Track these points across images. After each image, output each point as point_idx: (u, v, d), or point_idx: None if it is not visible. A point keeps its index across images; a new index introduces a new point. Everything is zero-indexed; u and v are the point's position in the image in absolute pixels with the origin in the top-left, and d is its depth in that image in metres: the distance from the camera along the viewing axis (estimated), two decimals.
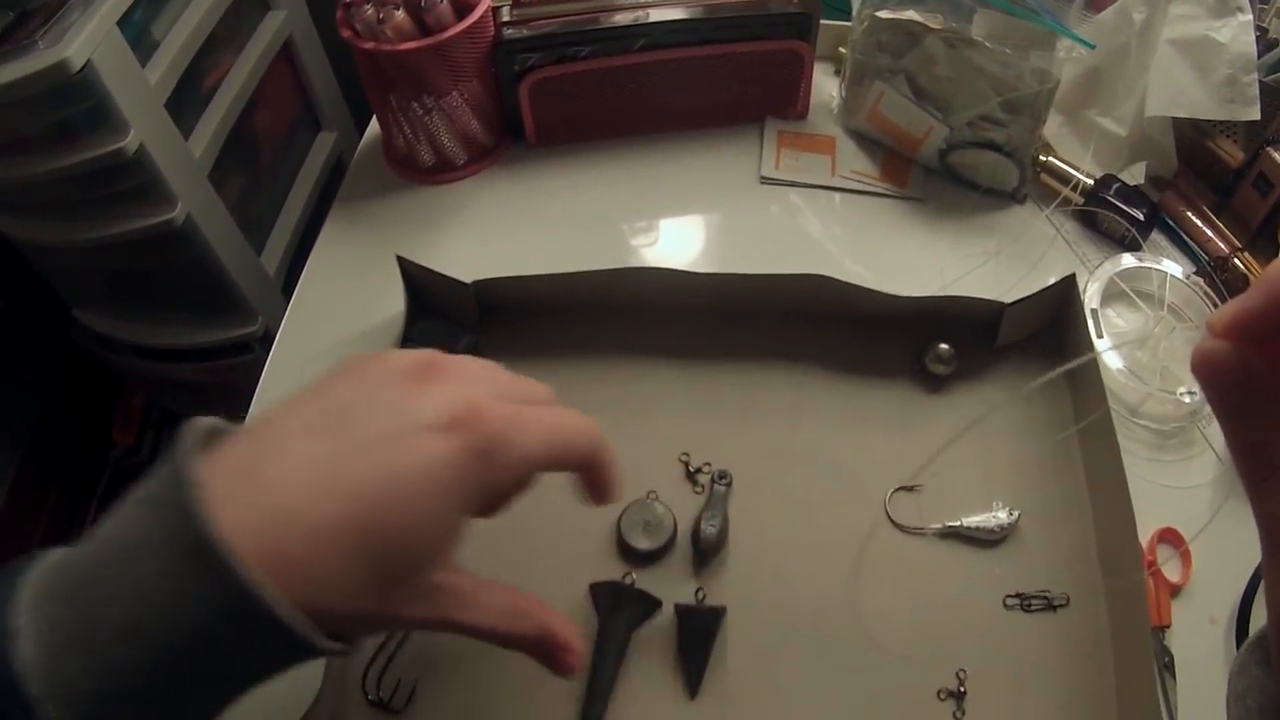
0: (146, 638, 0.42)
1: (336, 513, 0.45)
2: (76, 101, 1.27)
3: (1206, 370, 0.41)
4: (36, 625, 0.43)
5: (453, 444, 0.48)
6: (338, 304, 1.05)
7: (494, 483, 0.49)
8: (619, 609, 0.80)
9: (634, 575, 0.83)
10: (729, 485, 0.88)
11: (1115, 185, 1.08)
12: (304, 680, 0.76)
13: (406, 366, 0.52)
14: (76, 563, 0.45)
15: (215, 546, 0.42)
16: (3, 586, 0.44)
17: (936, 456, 0.86)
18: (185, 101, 1.48)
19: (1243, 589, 0.83)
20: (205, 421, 0.48)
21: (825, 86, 1.24)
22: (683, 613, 0.81)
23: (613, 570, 0.84)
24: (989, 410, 0.93)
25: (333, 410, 0.50)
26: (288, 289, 1.07)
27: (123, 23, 1.29)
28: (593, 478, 0.58)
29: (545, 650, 0.56)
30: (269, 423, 0.49)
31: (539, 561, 0.86)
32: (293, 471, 0.46)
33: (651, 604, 0.81)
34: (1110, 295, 1.01)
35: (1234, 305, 0.39)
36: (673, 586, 0.83)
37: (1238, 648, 0.79)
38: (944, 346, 0.94)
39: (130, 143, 1.31)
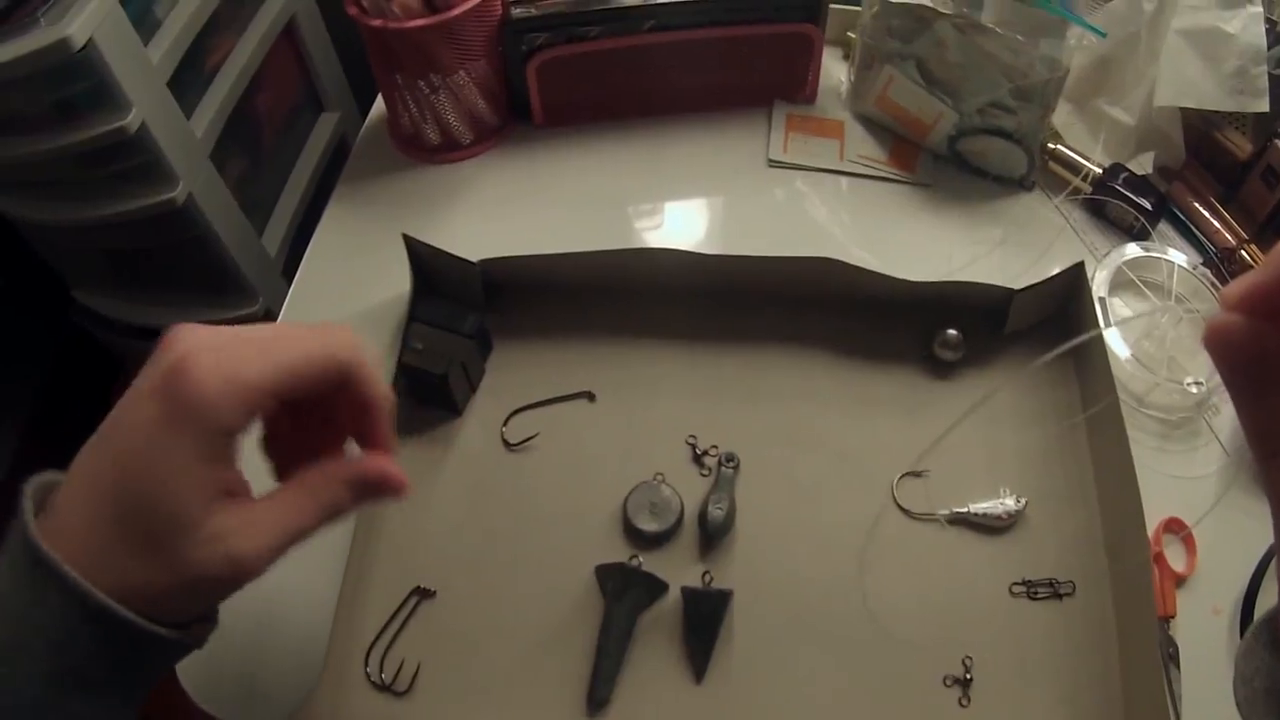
0: (19, 649, 0.48)
1: (85, 499, 0.51)
2: (78, 80, 1.26)
3: (1219, 343, 0.40)
4: None
5: (158, 404, 0.50)
6: (341, 283, 1.04)
7: (219, 422, 0.50)
8: (625, 591, 0.80)
9: (640, 558, 0.83)
10: (736, 468, 0.88)
11: (1123, 174, 1.08)
12: (306, 663, 0.76)
13: (153, 358, 0.53)
14: None
15: (48, 559, 0.48)
16: None
17: (944, 436, 0.85)
18: (187, 81, 1.47)
19: (1247, 580, 0.83)
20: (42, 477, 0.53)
21: (834, 71, 1.24)
22: (689, 596, 0.80)
23: (619, 552, 0.84)
24: (996, 388, 0.93)
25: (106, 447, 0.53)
26: (289, 270, 1.07)
27: (125, 1, 1.28)
28: (353, 397, 0.57)
29: (371, 497, 0.57)
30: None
31: (545, 543, 0.85)
32: (69, 489, 0.52)
33: (658, 587, 0.81)
34: (1118, 284, 1.01)
35: (1248, 279, 0.39)
36: (679, 569, 0.83)
37: (1242, 638, 0.79)
38: (952, 332, 0.93)
39: (132, 122, 1.30)
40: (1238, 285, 0.39)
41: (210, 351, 0.51)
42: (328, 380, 0.54)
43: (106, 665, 0.50)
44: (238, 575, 0.52)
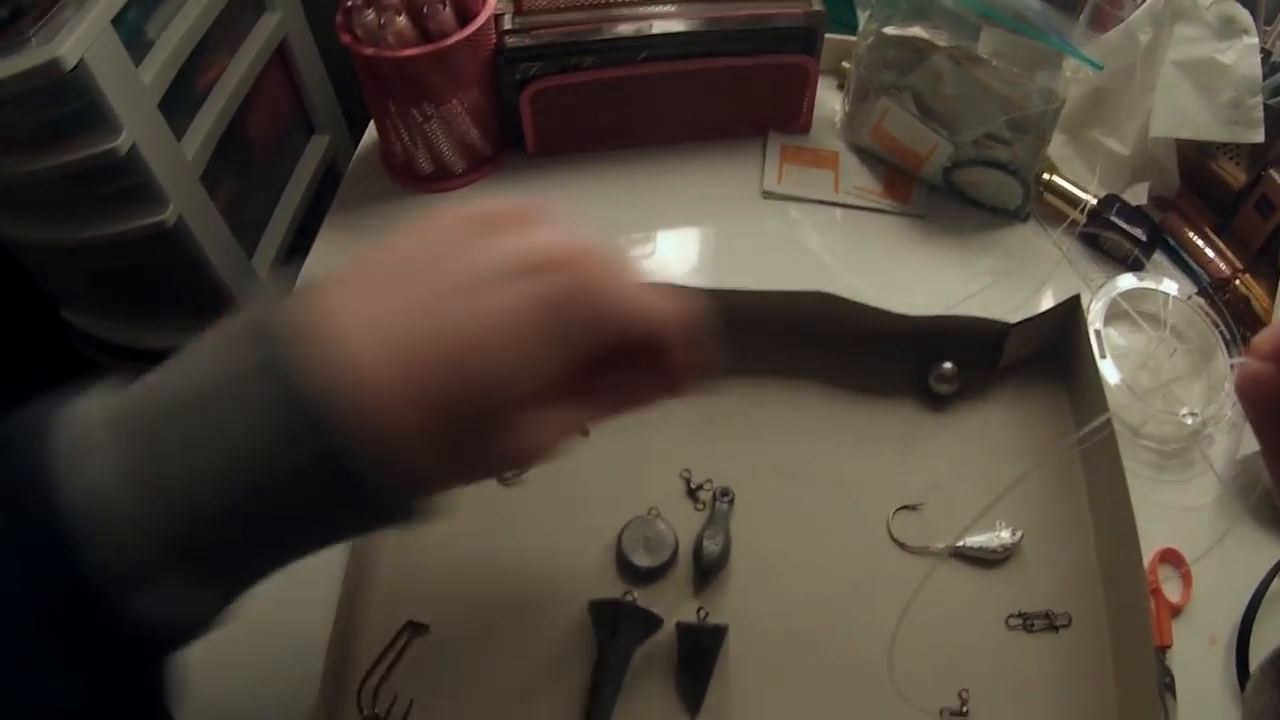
0: (236, 472, 0.42)
1: (404, 375, 0.45)
2: (69, 100, 1.26)
3: (1251, 392, 0.41)
4: (112, 445, 0.43)
5: (530, 288, 0.47)
6: None
7: (571, 335, 0.48)
8: (619, 627, 0.79)
9: (635, 593, 0.82)
10: (731, 502, 0.88)
11: (1118, 205, 1.08)
12: (299, 694, 0.75)
13: (471, 216, 0.51)
14: (153, 394, 0.45)
15: (318, 401, 0.42)
16: (60, 409, 0.44)
17: (980, 518, 0.86)
18: (178, 102, 1.47)
19: (1243, 610, 0.83)
20: (272, 286, 0.47)
21: (829, 101, 1.24)
22: (684, 631, 0.80)
23: (613, 588, 0.84)
24: (1032, 468, 0.93)
25: (395, 267, 0.49)
26: None
27: (117, 22, 1.28)
28: (670, 361, 0.55)
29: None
30: (330, 288, 0.47)
31: (538, 579, 0.85)
32: (360, 332, 0.45)
33: (653, 622, 0.80)
34: (1113, 315, 1.01)
35: (1278, 329, 0.39)
36: (674, 605, 0.82)
37: (1238, 668, 0.80)
38: (948, 365, 0.93)
39: (122, 143, 1.30)
40: (1267, 337, 0.40)
41: (600, 266, 0.49)
42: (648, 331, 0.52)
43: (328, 526, 0.47)
44: (518, 463, 0.52)
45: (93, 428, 0.43)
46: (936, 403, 0.96)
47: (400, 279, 0.48)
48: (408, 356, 0.45)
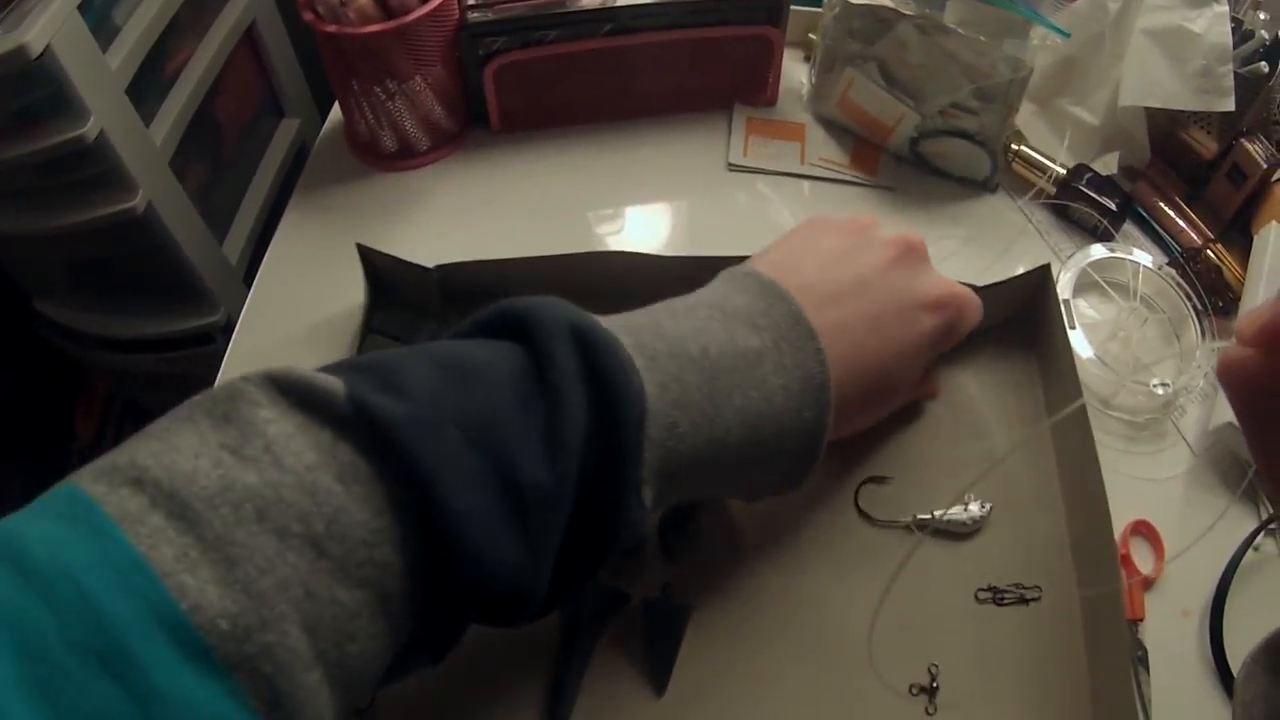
0: (755, 429, 0.61)
1: (854, 377, 0.67)
2: (36, 87, 1.25)
3: (1234, 378, 0.41)
4: (651, 377, 0.56)
5: (937, 321, 0.72)
6: (298, 293, 1.03)
7: (942, 349, 0.78)
8: (585, 604, 0.78)
9: (601, 570, 0.82)
10: None
11: (1088, 175, 1.07)
12: None
13: (890, 244, 0.73)
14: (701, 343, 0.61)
15: (827, 386, 0.64)
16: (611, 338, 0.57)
17: (956, 500, 0.87)
18: (146, 88, 1.45)
19: (1216, 582, 0.82)
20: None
21: (795, 73, 1.23)
22: (650, 608, 0.79)
23: None
24: (1007, 453, 0.92)
25: (839, 280, 0.68)
26: (250, 278, 1.06)
27: (83, 7, 1.27)
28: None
29: None
30: (796, 291, 0.67)
31: None
32: (827, 340, 0.64)
33: (619, 599, 0.79)
34: (1082, 285, 1.00)
35: (1263, 314, 0.39)
36: (641, 582, 0.82)
37: (1211, 641, 0.79)
38: None
39: (90, 130, 1.29)
40: (1252, 320, 0.40)
41: (973, 302, 0.80)
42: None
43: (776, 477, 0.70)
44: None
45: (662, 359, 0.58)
46: None
47: (846, 293, 0.68)
48: (863, 363, 0.67)
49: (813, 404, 0.62)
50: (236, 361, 0.98)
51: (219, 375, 0.96)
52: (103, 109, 1.32)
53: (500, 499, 0.49)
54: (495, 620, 0.55)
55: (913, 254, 0.72)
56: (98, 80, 1.31)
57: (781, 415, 0.61)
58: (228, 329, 1.64)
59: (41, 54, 1.19)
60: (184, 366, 1.72)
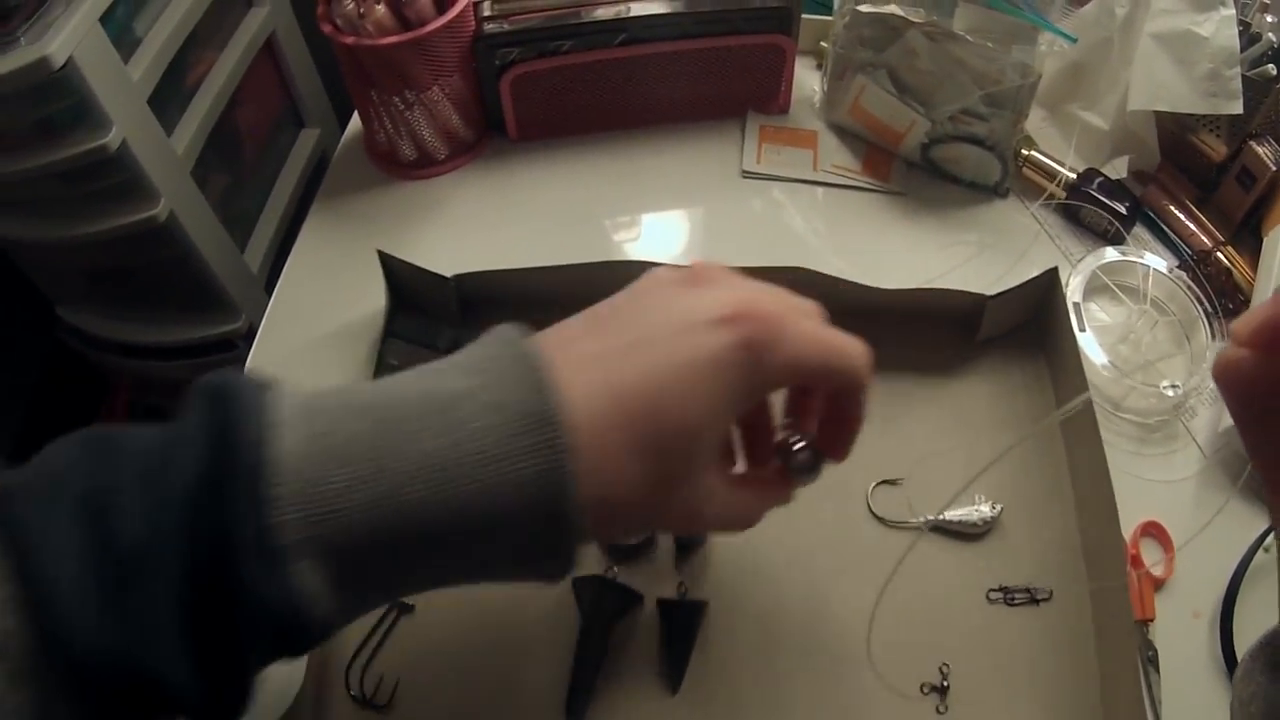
0: (440, 485, 0.45)
1: (612, 409, 0.48)
2: (58, 98, 1.26)
3: (1230, 378, 0.41)
4: (301, 429, 0.45)
5: (729, 338, 0.50)
6: (319, 300, 1.04)
7: (762, 381, 0.52)
8: (601, 603, 0.80)
9: (616, 569, 0.83)
10: None
11: (1098, 179, 1.08)
12: (287, 677, 0.76)
13: (676, 275, 0.55)
14: (365, 394, 0.48)
15: (555, 423, 0.45)
16: (262, 394, 0.46)
17: (960, 494, 0.86)
18: (168, 98, 1.47)
19: (1226, 583, 0.83)
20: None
21: (807, 81, 1.24)
22: (664, 607, 0.81)
23: (595, 565, 0.84)
24: (1013, 444, 0.93)
25: (602, 316, 0.53)
26: (271, 286, 1.07)
27: (105, 19, 1.29)
28: (843, 411, 0.59)
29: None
30: (545, 335, 0.52)
31: None
32: (569, 373, 0.48)
33: (633, 598, 0.81)
34: (1093, 289, 1.01)
35: (1258, 314, 0.39)
36: (655, 581, 0.83)
37: (1222, 642, 0.80)
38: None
39: (112, 139, 1.31)
40: (1248, 320, 0.40)
41: (793, 315, 0.53)
42: (833, 383, 0.57)
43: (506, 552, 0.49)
44: (691, 524, 0.56)
45: (319, 409, 0.46)
46: (915, 377, 0.96)
47: (608, 325, 0.52)
48: (622, 394, 0.48)
49: (533, 449, 0.46)
50: (259, 366, 0.99)
51: None
52: (125, 119, 1.33)
53: (99, 570, 0.42)
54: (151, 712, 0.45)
55: (701, 273, 0.55)
56: (120, 91, 1.33)
57: (485, 464, 0.45)
58: (249, 336, 1.65)
59: (64, 65, 1.21)
60: (206, 374, 1.73)
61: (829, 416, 0.60)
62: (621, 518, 0.51)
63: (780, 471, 0.60)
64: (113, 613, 0.42)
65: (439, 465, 0.45)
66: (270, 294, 1.06)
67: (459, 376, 0.48)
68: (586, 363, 0.49)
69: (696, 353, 0.49)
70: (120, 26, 1.36)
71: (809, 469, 0.60)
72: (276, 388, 0.47)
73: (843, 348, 0.55)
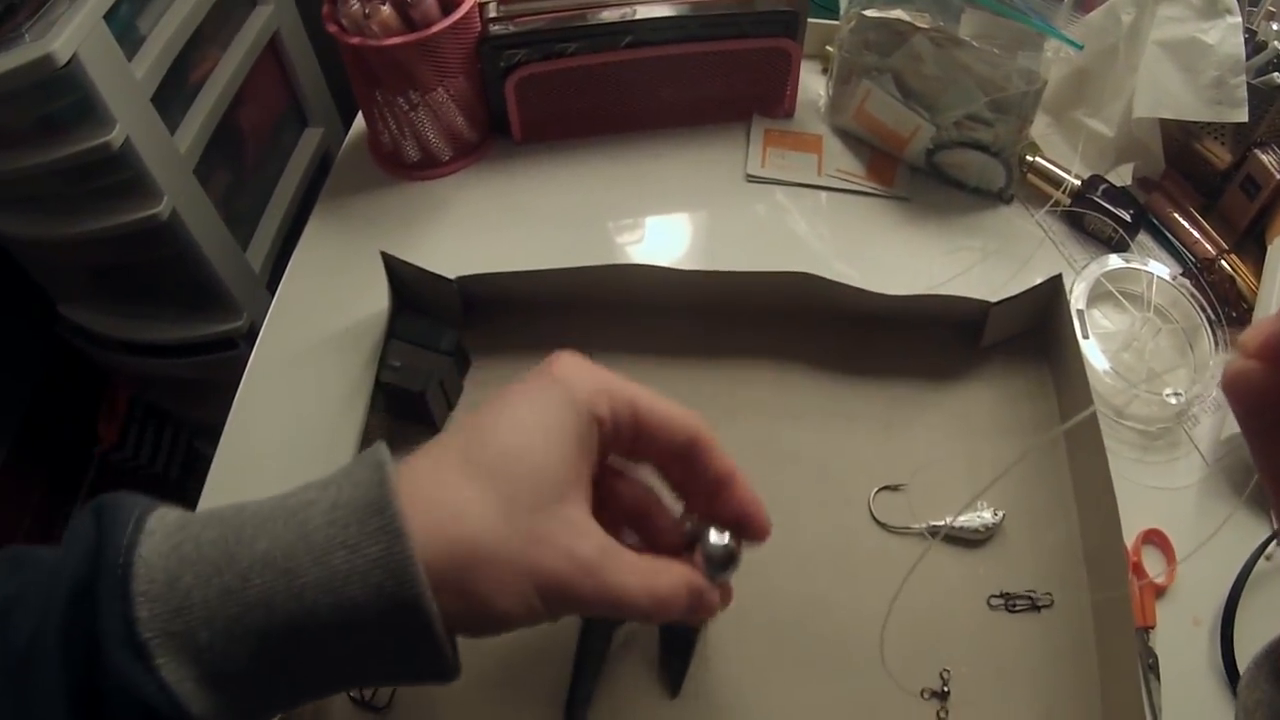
0: (288, 573, 0.46)
1: (442, 450, 0.53)
2: (62, 95, 1.26)
3: (1238, 390, 0.40)
4: (164, 540, 0.48)
5: (541, 374, 0.56)
6: (322, 300, 1.04)
7: (583, 390, 0.55)
8: None
9: None
10: None
11: (1102, 186, 1.08)
12: None
13: None
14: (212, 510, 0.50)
15: (389, 509, 0.47)
16: (123, 509, 0.49)
17: (970, 503, 0.87)
18: (171, 96, 1.47)
19: (1227, 591, 0.83)
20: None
21: (812, 85, 1.24)
22: None
23: None
24: (1017, 459, 0.93)
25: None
26: (273, 285, 1.07)
27: (109, 16, 1.28)
28: (711, 471, 0.61)
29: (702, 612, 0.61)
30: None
31: None
32: (415, 460, 0.53)
33: None
34: (1096, 296, 1.01)
35: (1267, 326, 0.39)
36: None
37: (1222, 649, 0.80)
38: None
39: (116, 137, 1.30)
40: (1257, 332, 0.40)
41: (582, 360, 0.58)
42: (675, 439, 0.59)
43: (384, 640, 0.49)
44: (577, 584, 0.53)
45: (190, 528, 0.49)
46: (919, 383, 0.96)
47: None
48: (449, 444, 0.53)
49: (375, 535, 0.47)
50: (261, 365, 1.00)
51: (243, 379, 0.98)
52: (128, 117, 1.33)
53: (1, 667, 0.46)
54: None
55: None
56: (123, 88, 1.32)
57: (329, 551, 0.47)
58: (251, 335, 1.65)
59: (68, 62, 1.21)
60: (207, 372, 1.73)
61: (708, 486, 0.61)
62: (485, 561, 0.50)
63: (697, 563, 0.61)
64: (9, 706, 0.45)
65: (284, 555, 0.47)
66: (272, 293, 1.06)
67: (314, 488, 0.50)
68: (432, 448, 0.54)
69: (514, 392, 0.55)
70: (124, 24, 1.36)
71: (722, 557, 0.61)
72: (157, 506, 0.50)
73: (657, 397, 0.59)
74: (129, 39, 1.37)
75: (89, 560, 0.46)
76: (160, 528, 0.48)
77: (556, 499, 0.53)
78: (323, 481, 0.51)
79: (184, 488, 2.19)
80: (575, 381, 0.56)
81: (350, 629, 0.47)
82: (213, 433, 0.93)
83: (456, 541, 0.49)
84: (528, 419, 0.54)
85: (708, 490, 0.62)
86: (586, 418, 0.55)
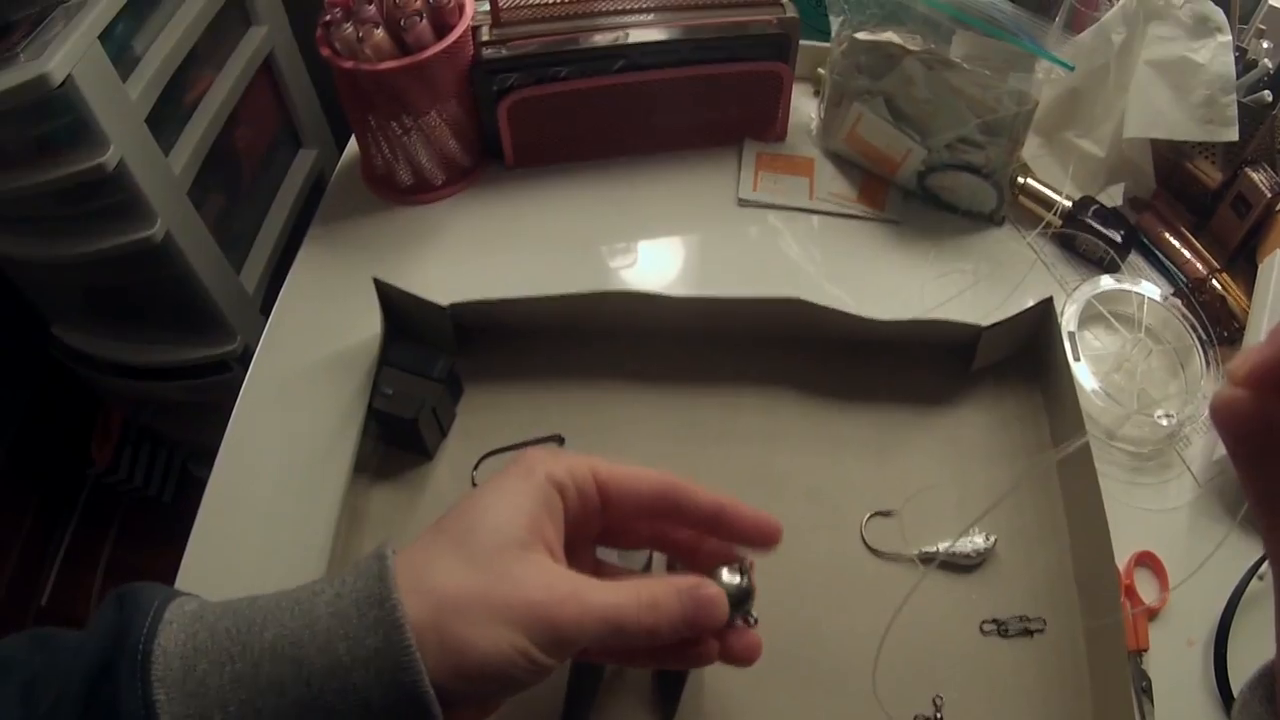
0: (296, 661, 0.50)
1: (434, 529, 0.58)
2: (57, 116, 1.26)
3: (1226, 418, 0.41)
4: (187, 627, 0.52)
5: (507, 466, 0.61)
6: (315, 324, 1.04)
7: (546, 467, 0.60)
8: None
9: None
10: None
11: (1093, 207, 1.08)
12: None
13: None
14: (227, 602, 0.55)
15: (390, 602, 0.51)
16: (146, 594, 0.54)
17: (964, 532, 0.87)
18: (166, 117, 1.47)
19: (1220, 612, 0.83)
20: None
21: (804, 108, 1.24)
22: None
23: None
24: (1011, 487, 0.93)
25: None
26: (267, 307, 1.07)
27: (104, 37, 1.29)
28: (694, 513, 0.65)
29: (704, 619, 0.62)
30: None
31: None
32: (411, 550, 0.57)
33: None
34: (1088, 318, 1.01)
35: (1255, 354, 0.39)
36: None
37: (1216, 671, 0.80)
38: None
39: (110, 158, 1.31)
40: (1245, 360, 0.40)
41: (549, 449, 0.68)
42: (643, 491, 0.64)
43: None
44: (561, 609, 0.54)
45: (199, 620, 0.53)
46: (910, 408, 0.96)
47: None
48: (440, 526, 0.58)
49: (375, 626, 0.51)
50: (255, 388, 0.99)
51: (237, 402, 0.98)
52: (122, 138, 1.33)
53: None
54: None
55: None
56: (118, 109, 1.33)
57: (334, 641, 0.50)
58: (244, 358, 1.65)
59: (63, 83, 1.21)
60: (200, 395, 1.73)
61: (705, 522, 0.65)
62: (455, 603, 0.53)
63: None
64: None
65: (293, 643, 0.50)
66: (266, 315, 1.06)
67: (323, 583, 0.54)
68: (423, 535, 0.58)
69: (487, 481, 0.60)
70: (119, 45, 1.37)
71: (736, 594, 0.65)
72: (176, 595, 0.55)
73: (618, 463, 0.64)
74: (124, 60, 1.37)
75: (112, 643, 0.50)
76: (178, 618, 0.52)
77: (519, 547, 0.56)
78: (330, 575, 0.56)
79: (177, 511, 2.18)
80: (535, 462, 0.61)
81: (355, 713, 0.50)
82: (206, 455, 0.93)
83: (427, 594, 0.52)
84: (492, 494, 0.59)
85: (708, 527, 0.66)
86: (546, 486, 0.60)
